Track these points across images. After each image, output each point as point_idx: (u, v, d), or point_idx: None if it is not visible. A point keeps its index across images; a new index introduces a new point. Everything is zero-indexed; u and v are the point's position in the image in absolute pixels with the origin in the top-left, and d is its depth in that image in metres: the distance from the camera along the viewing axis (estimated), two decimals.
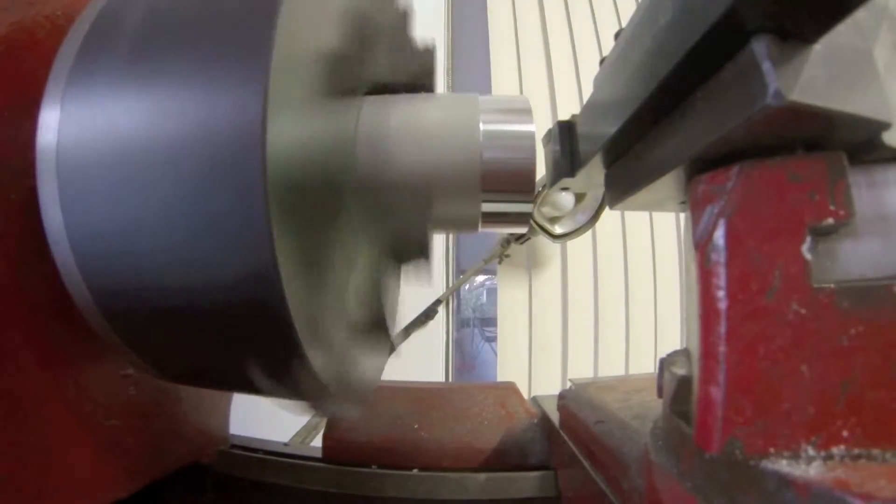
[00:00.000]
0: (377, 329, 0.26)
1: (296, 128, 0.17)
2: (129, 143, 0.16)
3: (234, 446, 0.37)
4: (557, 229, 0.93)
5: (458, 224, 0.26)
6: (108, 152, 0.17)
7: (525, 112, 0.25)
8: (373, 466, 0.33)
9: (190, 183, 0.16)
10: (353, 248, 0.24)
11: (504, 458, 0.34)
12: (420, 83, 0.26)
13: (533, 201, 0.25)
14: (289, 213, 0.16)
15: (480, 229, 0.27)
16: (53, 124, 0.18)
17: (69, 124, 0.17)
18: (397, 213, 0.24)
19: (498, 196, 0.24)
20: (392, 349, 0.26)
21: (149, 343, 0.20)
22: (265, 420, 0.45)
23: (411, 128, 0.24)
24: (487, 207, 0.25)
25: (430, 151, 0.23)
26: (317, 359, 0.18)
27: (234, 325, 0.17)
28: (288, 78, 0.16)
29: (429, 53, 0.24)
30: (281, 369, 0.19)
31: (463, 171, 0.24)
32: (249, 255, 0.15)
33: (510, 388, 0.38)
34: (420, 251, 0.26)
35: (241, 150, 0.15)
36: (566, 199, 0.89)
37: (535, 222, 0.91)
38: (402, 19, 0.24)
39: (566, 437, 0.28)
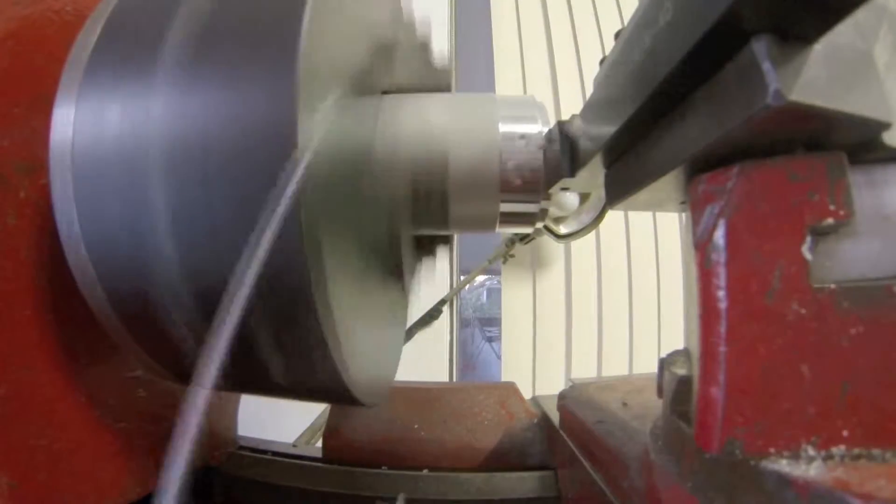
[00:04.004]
0: (395, 322, 0.26)
1: (322, 125, 0.17)
2: (150, 141, 0.16)
3: (241, 447, 0.37)
4: (562, 229, 0.92)
5: (477, 224, 0.26)
6: (127, 149, 0.17)
7: (541, 113, 0.25)
8: (382, 467, 0.33)
9: (216, 180, 0.16)
10: (374, 242, 0.24)
11: (504, 458, 0.34)
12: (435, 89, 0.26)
13: (549, 202, 0.25)
14: (316, 214, 0.16)
15: (497, 229, 0.27)
16: (68, 121, 0.17)
17: (85, 121, 0.17)
18: (415, 209, 0.24)
19: (515, 196, 0.24)
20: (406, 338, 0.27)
21: (162, 343, 0.20)
22: (268, 421, 0.45)
23: (431, 128, 0.24)
24: (505, 208, 0.25)
25: (451, 152, 0.23)
26: (342, 357, 0.18)
27: (256, 324, 0.17)
28: (315, 74, 0.16)
29: (445, 72, 0.24)
30: (304, 367, 0.18)
31: (483, 171, 0.24)
32: (277, 255, 0.15)
33: (510, 388, 0.38)
34: (438, 244, 0.26)
35: (273, 147, 0.15)
36: (570, 199, 0.89)
37: None
38: (417, 33, 0.25)
39: (566, 437, 0.28)
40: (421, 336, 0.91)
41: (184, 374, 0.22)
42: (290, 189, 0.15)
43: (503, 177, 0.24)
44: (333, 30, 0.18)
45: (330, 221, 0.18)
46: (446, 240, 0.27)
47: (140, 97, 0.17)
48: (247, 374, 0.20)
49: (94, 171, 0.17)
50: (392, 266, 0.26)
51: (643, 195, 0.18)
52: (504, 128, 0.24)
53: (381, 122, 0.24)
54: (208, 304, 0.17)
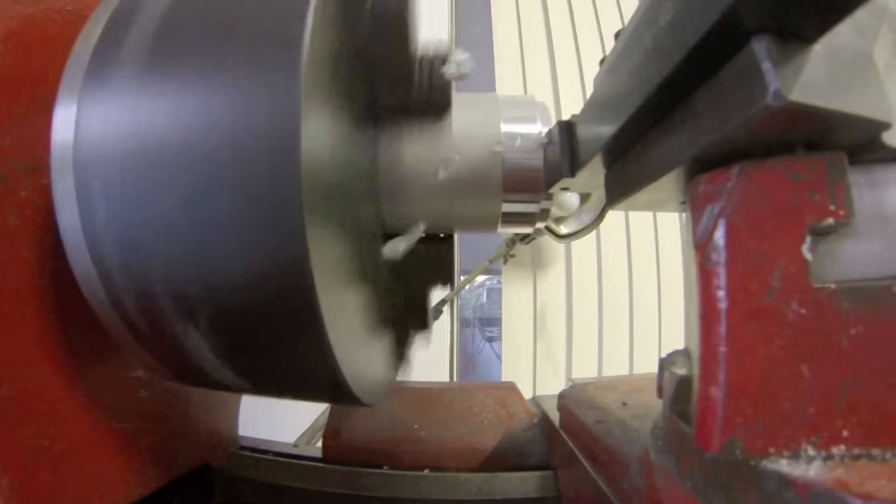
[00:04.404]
0: (398, 327, 0.26)
1: (325, 124, 0.17)
2: (153, 141, 0.16)
3: (242, 447, 0.37)
4: (563, 229, 0.92)
5: (479, 224, 0.26)
6: (130, 149, 0.17)
7: (543, 113, 0.25)
8: (384, 467, 0.33)
9: (219, 179, 0.16)
10: (378, 245, 0.24)
11: (504, 458, 0.34)
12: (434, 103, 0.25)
13: (551, 201, 0.25)
14: (319, 210, 0.16)
15: (499, 229, 0.27)
16: (70, 121, 0.17)
17: (87, 121, 0.17)
18: (420, 210, 0.24)
19: (518, 196, 0.25)
20: (424, 334, 0.26)
21: (164, 343, 0.20)
22: (263, 421, 0.45)
23: (434, 127, 0.24)
24: (506, 208, 0.25)
25: (454, 151, 0.23)
26: (341, 356, 0.18)
27: (258, 322, 0.17)
28: (318, 75, 0.16)
29: (447, 84, 0.24)
30: (305, 367, 0.18)
31: (486, 171, 0.24)
32: (280, 250, 0.15)
33: (510, 388, 0.38)
34: (445, 247, 0.26)
35: (276, 146, 0.15)
36: (571, 199, 0.88)
37: None
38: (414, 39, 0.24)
39: (566, 437, 0.28)
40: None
41: (185, 374, 0.22)
42: (295, 190, 0.15)
43: (506, 177, 0.24)
44: (336, 32, 0.18)
45: (333, 221, 0.18)
46: (449, 240, 0.27)
47: (142, 97, 0.17)
48: (248, 374, 0.20)
49: (96, 171, 0.17)
50: (394, 266, 0.26)
51: (643, 195, 0.18)
52: (506, 128, 0.24)
53: (382, 122, 0.24)
54: (210, 305, 0.17)
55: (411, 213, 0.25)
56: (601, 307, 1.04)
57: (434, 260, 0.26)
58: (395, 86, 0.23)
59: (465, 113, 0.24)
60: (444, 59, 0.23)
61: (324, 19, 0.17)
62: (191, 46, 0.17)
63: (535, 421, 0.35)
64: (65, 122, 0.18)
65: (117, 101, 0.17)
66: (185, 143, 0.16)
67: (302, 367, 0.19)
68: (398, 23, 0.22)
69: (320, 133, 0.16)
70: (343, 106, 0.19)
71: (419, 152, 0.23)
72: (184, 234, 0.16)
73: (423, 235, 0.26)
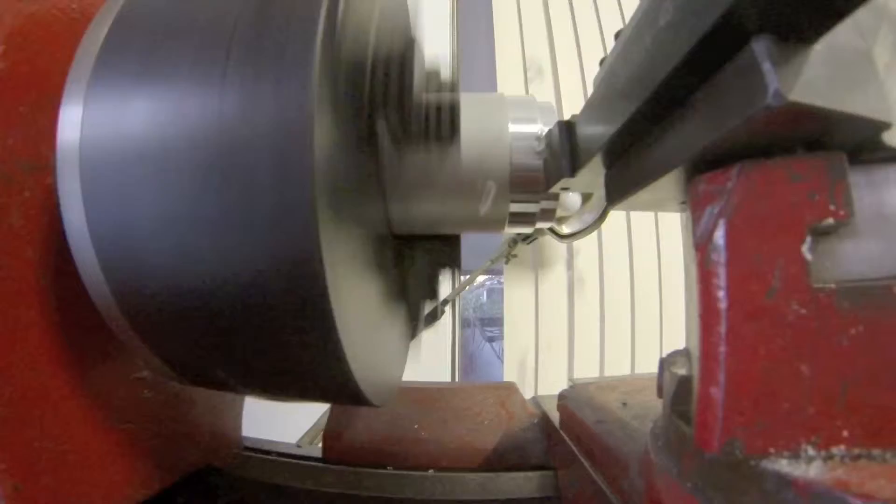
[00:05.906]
0: (403, 327, 0.26)
1: (333, 124, 0.17)
2: (160, 140, 0.16)
3: (246, 448, 0.37)
4: (564, 229, 0.92)
5: (486, 224, 0.26)
6: (138, 148, 0.17)
7: (548, 113, 0.25)
8: (388, 467, 0.33)
9: (228, 178, 0.16)
10: (384, 246, 0.24)
11: (504, 458, 0.34)
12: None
13: (556, 201, 0.25)
14: (329, 210, 0.16)
15: (506, 230, 0.27)
16: (76, 120, 0.17)
17: (94, 120, 0.17)
18: (428, 210, 0.24)
19: (525, 196, 0.24)
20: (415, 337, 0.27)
21: (170, 342, 0.19)
22: (265, 421, 0.45)
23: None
24: (513, 208, 0.25)
25: (462, 151, 0.23)
26: (351, 356, 0.18)
27: (267, 323, 0.17)
28: (327, 76, 0.16)
29: (453, 109, 0.23)
30: (315, 368, 0.18)
31: (493, 171, 0.24)
32: (290, 250, 0.15)
33: (510, 388, 0.38)
34: (450, 250, 0.26)
35: (287, 145, 0.15)
36: (573, 199, 0.88)
37: None
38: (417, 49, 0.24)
39: (566, 437, 0.28)
40: (423, 336, 0.91)
41: (190, 374, 0.22)
42: (307, 189, 0.15)
43: (514, 177, 0.24)
44: (347, 35, 0.18)
45: (342, 223, 0.18)
46: (455, 239, 0.27)
47: (151, 96, 0.17)
48: (255, 375, 0.20)
49: (103, 171, 0.17)
50: (400, 266, 0.26)
51: (644, 195, 0.18)
52: (513, 128, 0.24)
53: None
54: (218, 305, 0.17)
55: (418, 213, 0.25)
56: (602, 307, 1.04)
57: (439, 257, 0.26)
58: (399, 119, 0.22)
59: (472, 112, 0.24)
60: (452, 86, 0.23)
61: (335, 22, 0.17)
62: (200, 47, 0.17)
63: (535, 421, 0.35)
64: (71, 121, 0.18)
65: (124, 100, 0.17)
66: (193, 143, 0.16)
67: (312, 368, 0.19)
68: (403, 65, 0.22)
69: (331, 131, 0.16)
70: (352, 105, 0.19)
71: (427, 152, 0.23)
72: (192, 234, 0.16)
73: (428, 234, 0.26)
